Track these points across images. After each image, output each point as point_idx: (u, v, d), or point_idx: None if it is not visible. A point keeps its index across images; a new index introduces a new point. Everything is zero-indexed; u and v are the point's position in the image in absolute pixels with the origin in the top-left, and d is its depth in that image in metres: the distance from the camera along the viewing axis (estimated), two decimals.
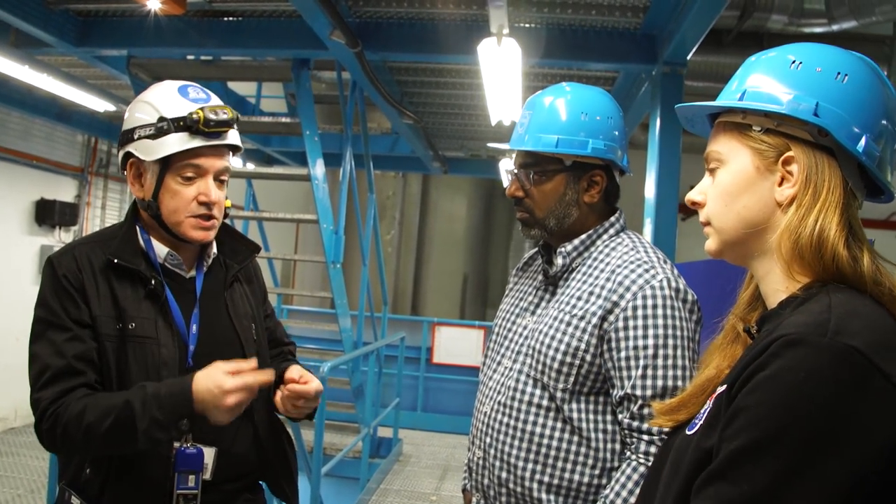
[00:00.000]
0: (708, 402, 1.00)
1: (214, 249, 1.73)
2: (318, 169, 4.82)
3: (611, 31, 4.25)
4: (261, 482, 1.80)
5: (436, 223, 12.05)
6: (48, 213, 7.60)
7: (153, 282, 1.59)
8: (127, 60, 4.81)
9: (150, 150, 1.56)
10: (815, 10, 6.11)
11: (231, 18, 4.48)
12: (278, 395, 1.69)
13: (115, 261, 1.56)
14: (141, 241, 1.63)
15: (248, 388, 1.48)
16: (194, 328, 1.63)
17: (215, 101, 1.62)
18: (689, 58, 4.01)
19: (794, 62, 1.02)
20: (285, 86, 6.87)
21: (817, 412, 0.83)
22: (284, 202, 9.78)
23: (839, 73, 0.99)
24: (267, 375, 1.53)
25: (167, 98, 1.59)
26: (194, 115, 1.55)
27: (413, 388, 8.66)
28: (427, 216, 12.04)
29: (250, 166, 7.33)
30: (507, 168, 1.80)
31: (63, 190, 7.95)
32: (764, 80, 1.03)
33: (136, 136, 1.57)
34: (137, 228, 1.65)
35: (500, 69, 3.78)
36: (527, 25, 4.27)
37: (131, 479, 1.54)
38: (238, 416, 1.61)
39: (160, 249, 1.64)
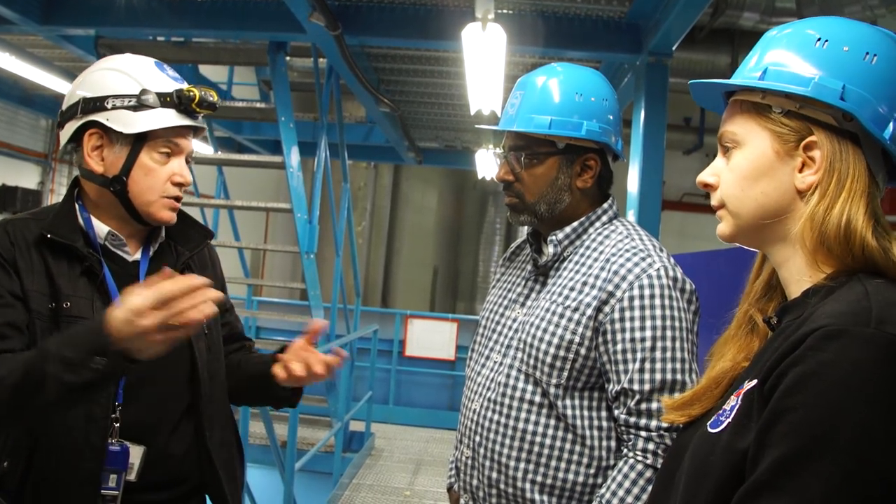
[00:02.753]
0: (734, 398, 0.93)
1: (163, 233, 1.63)
2: (293, 156, 4.71)
3: (595, 20, 4.21)
4: (205, 495, 1.65)
5: (406, 215, 12.02)
6: (10, 200, 7.42)
7: (90, 259, 1.48)
8: (95, 40, 4.64)
9: (130, 123, 1.47)
10: (787, 8, 6.20)
11: None
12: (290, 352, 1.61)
13: (49, 235, 1.46)
14: (80, 219, 1.53)
15: (172, 305, 1.22)
16: None
17: (185, 82, 1.58)
18: (673, 49, 3.98)
19: (819, 39, 0.95)
20: (258, 72, 6.75)
21: (868, 409, 0.77)
22: (254, 191, 9.63)
23: (868, 53, 0.93)
24: (196, 280, 1.26)
25: (148, 71, 1.52)
26: (189, 93, 1.49)
27: (385, 382, 8.59)
28: (398, 208, 11.99)
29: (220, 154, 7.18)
30: (496, 151, 1.73)
31: (26, 176, 7.76)
32: (786, 58, 0.97)
33: (109, 106, 1.47)
34: (77, 206, 1.54)
35: (483, 56, 3.70)
36: (510, 12, 4.22)
37: (58, 473, 1.41)
38: (180, 410, 1.53)
39: (100, 228, 1.53)
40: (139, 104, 1.47)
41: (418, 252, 11.95)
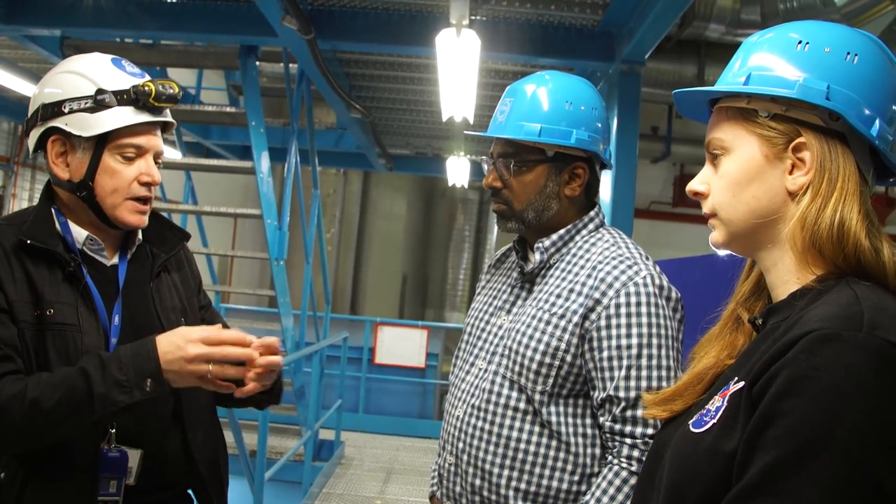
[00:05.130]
0: (720, 398, 0.93)
1: (140, 236, 1.60)
2: (263, 162, 4.65)
3: (569, 28, 4.23)
4: (189, 492, 1.65)
5: (376, 222, 11.97)
6: None
7: (72, 264, 1.45)
8: (60, 41, 4.55)
9: (88, 125, 1.43)
10: (752, 20, 6.35)
11: (176, 0, 4.27)
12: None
13: (29, 241, 1.42)
14: (57, 224, 1.49)
15: (215, 357, 1.38)
16: (116, 319, 1.49)
17: (147, 76, 1.52)
18: (646, 57, 4.01)
19: (800, 42, 0.96)
20: (227, 77, 6.66)
21: (863, 414, 0.77)
22: (223, 197, 9.51)
23: (849, 53, 0.94)
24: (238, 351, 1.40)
25: (103, 69, 1.47)
26: (145, 88, 1.44)
27: (355, 389, 8.52)
28: (367, 215, 11.93)
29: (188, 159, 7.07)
30: (482, 158, 1.72)
31: None
32: (768, 62, 0.97)
33: (66, 110, 1.43)
34: (53, 211, 1.50)
35: (457, 62, 3.69)
36: (484, 18, 4.22)
37: (54, 483, 1.40)
38: (168, 412, 1.53)
39: (78, 233, 1.50)
40: (96, 105, 1.43)
41: (387, 259, 11.91)
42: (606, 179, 4.03)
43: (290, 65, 5.04)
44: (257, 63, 6.06)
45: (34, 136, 1.48)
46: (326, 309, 7.39)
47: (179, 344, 1.36)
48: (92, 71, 1.45)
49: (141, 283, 1.56)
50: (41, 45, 4.85)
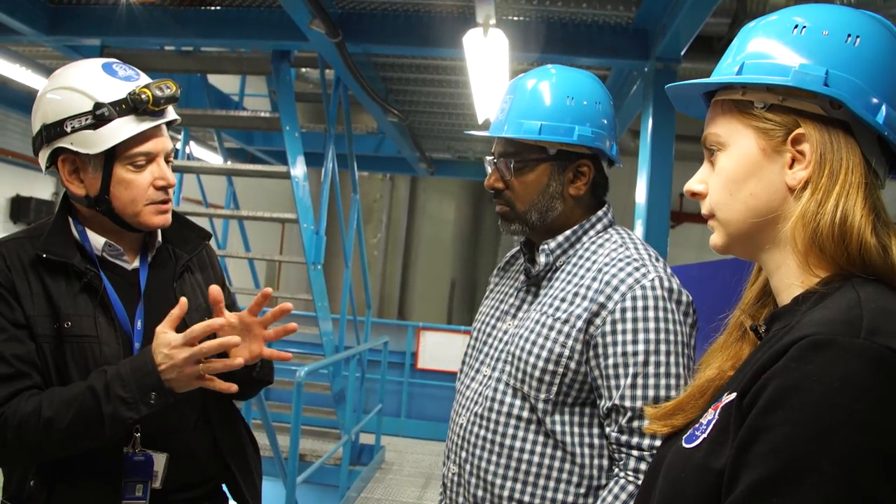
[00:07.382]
0: (712, 411, 0.86)
1: (160, 238, 1.60)
2: (299, 166, 4.66)
3: (602, 26, 4.15)
4: (223, 486, 1.67)
5: (423, 227, 11.94)
6: (24, 211, 7.50)
7: (89, 275, 1.46)
8: (100, 51, 4.65)
9: (93, 142, 1.41)
10: None
11: (209, 8, 4.33)
12: None
13: (45, 255, 1.43)
14: (75, 233, 1.50)
15: (197, 343, 1.38)
16: (139, 324, 1.50)
17: (144, 77, 1.49)
18: (681, 54, 3.90)
19: (796, 26, 0.88)
20: (268, 82, 6.73)
21: (857, 429, 0.70)
22: (271, 203, 9.63)
23: (850, 36, 0.86)
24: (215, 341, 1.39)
25: (96, 80, 1.43)
26: (142, 95, 1.42)
27: (397, 394, 8.52)
28: (415, 220, 11.92)
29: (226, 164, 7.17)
30: (486, 158, 1.67)
31: (40, 187, 7.82)
32: (764, 49, 0.90)
33: (68, 129, 1.41)
34: (70, 220, 1.51)
35: (486, 62, 3.65)
36: (515, 18, 4.17)
37: (80, 489, 1.42)
38: (194, 414, 1.54)
39: (96, 240, 1.51)
40: (96, 121, 1.41)
41: (435, 264, 11.87)
42: (642, 181, 3.93)
43: (327, 70, 5.06)
44: (303, 70, 6.13)
45: (42, 156, 1.47)
46: (367, 313, 7.39)
47: (166, 353, 1.36)
48: (85, 84, 1.43)
49: (164, 286, 1.57)
50: (83, 55, 4.95)
